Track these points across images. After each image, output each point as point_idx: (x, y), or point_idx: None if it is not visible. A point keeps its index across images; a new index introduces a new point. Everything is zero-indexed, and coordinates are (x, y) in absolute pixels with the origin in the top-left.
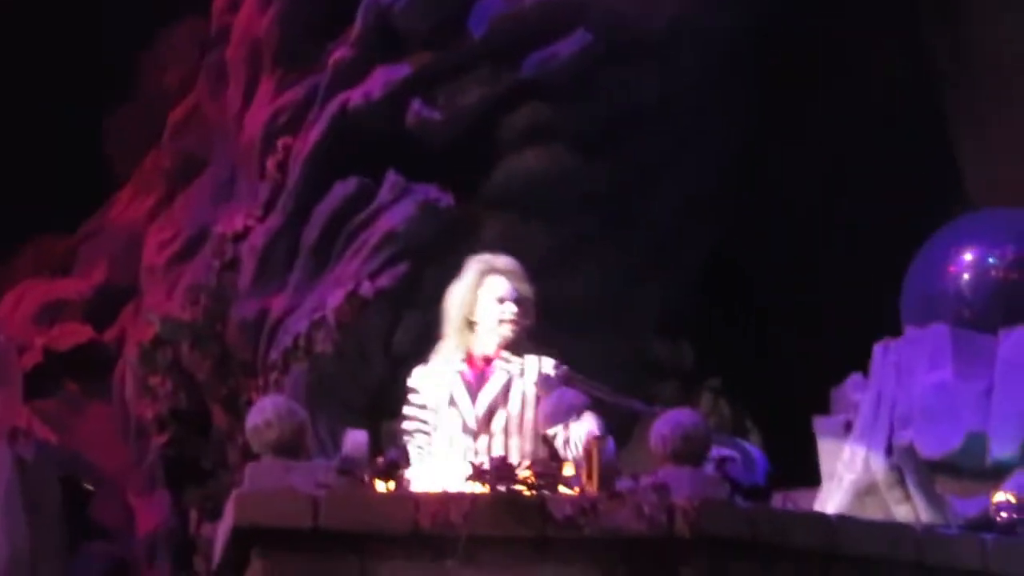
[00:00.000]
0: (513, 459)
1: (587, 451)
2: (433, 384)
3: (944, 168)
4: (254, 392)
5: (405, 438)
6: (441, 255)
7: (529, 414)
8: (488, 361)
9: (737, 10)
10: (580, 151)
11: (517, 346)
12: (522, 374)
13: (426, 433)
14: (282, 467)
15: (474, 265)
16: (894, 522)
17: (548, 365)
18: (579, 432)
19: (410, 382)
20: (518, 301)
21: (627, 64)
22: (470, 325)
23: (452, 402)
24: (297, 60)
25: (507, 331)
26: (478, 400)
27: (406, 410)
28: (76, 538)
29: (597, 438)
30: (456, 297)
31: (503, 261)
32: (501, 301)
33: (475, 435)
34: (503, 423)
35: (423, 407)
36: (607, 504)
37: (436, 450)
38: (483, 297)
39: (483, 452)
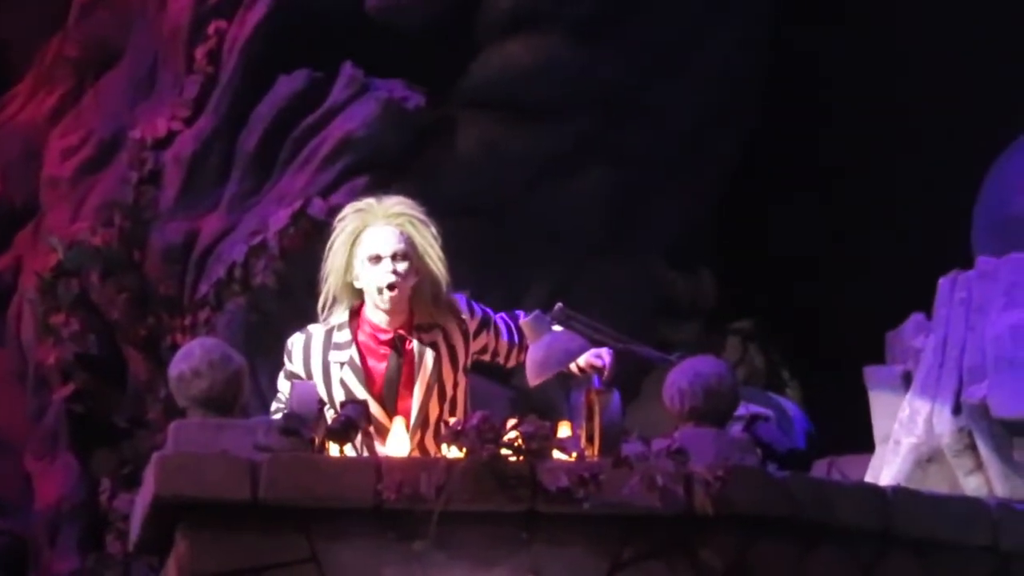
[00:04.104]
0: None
1: (587, 408)
2: (319, 372)
3: None
4: (179, 334)
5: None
6: (408, 166)
7: (461, 384)
8: (402, 341)
9: None
10: (577, 39)
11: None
12: (446, 338)
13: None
14: (214, 426)
15: (349, 219)
16: (963, 496)
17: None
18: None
19: (287, 366)
20: (398, 256)
21: None
22: (356, 291)
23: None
24: None
25: (388, 300)
26: (414, 394)
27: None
28: None
29: (599, 392)
30: (332, 262)
31: (380, 208)
32: (377, 260)
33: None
34: (437, 411)
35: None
36: (611, 473)
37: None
38: (359, 258)
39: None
